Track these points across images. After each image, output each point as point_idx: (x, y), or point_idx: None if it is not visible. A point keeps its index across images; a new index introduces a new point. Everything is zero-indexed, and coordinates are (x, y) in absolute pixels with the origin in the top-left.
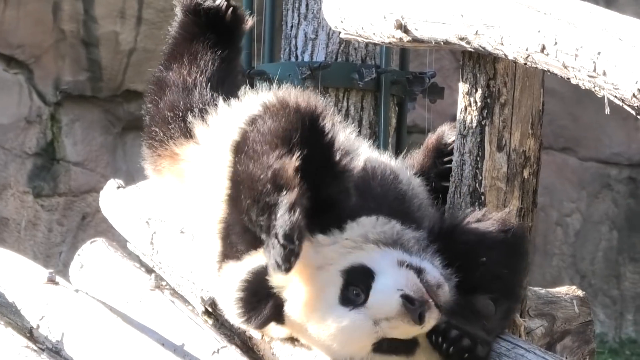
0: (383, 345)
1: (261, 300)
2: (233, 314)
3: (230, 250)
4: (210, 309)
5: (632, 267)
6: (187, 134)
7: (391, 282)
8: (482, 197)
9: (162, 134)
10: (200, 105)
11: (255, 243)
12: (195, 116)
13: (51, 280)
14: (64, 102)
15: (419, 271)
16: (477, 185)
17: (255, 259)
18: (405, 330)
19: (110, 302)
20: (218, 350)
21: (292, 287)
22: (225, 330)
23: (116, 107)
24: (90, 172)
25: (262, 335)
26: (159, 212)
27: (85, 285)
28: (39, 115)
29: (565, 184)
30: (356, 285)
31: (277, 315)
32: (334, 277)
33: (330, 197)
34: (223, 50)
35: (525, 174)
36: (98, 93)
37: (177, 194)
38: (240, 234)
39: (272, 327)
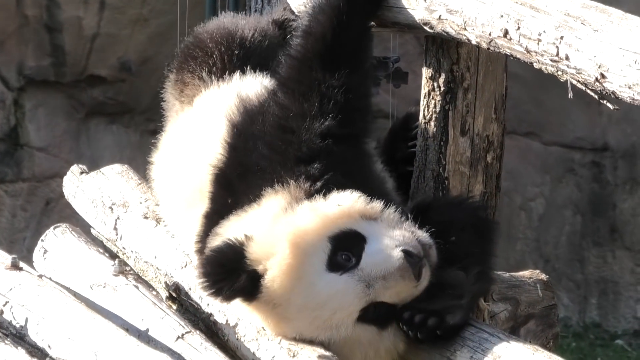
0: (369, 312)
1: (237, 269)
2: (207, 279)
3: (225, 206)
4: (174, 294)
5: (595, 251)
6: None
7: (388, 241)
8: (446, 182)
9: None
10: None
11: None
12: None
13: (15, 266)
14: (27, 87)
15: (411, 232)
16: (440, 170)
17: (255, 214)
18: (400, 289)
19: (74, 288)
20: (182, 335)
21: (275, 256)
22: (190, 315)
23: (80, 93)
24: (54, 158)
25: (227, 320)
26: (123, 197)
27: (49, 271)
28: (2, 101)
29: (528, 169)
30: (346, 250)
31: (252, 287)
32: (322, 243)
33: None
34: None
35: (489, 158)
36: (61, 78)
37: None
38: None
39: (237, 303)
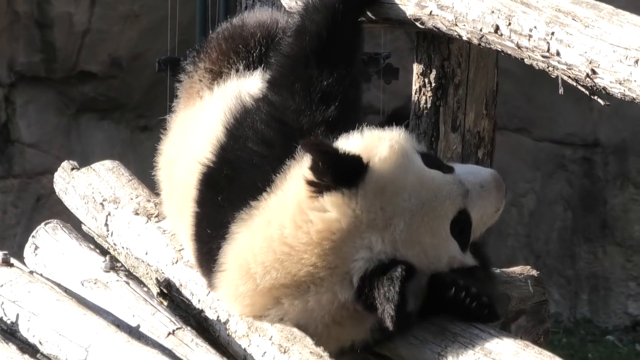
0: (457, 224)
1: (345, 157)
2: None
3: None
4: (165, 291)
5: (586, 247)
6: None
7: (472, 165)
8: None
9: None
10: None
11: None
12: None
13: (5, 262)
14: (18, 83)
15: None
16: None
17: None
18: (488, 203)
19: (65, 284)
20: (173, 331)
21: (377, 151)
22: (181, 311)
23: (70, 89)
24: (44, 154)
25: (218, 316)
26: (114, 193)
27: (40, 267)
28: None
29: (519, 165)
30: (435, 164)
31: (360, 174)
32: (412, 151)
33: None
34: None
35: (480, 154)
36: (52, 74)
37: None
38: None
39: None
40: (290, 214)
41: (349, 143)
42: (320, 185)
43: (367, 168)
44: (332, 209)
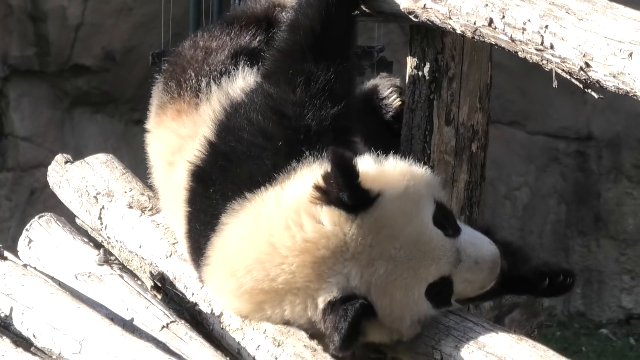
0: (437, 286)
1: (360, 185)
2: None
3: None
4: (159, 284)
5: (580, 240)
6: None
7: (482, 235)
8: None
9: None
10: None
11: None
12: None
13: None
14: (11, 77)
15: None
16: (425, 159)
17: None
18: (477, 279)
19: (59, 277)
20: (167, 324)
21: (391, 184)
22: (175, 305)
23: (64, 82)
24: (38, 147)
25: (212, 310)
26: (107, 187)
27: (34, 260)
28: None
29: (513, 158)
30: (445, 219)
31: (367, 204)
32: (429, 199)
33: None
34: None
35: (474, 147)
36: (46, 68)
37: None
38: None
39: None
40: (284, 212)
41: (371, 165)
42: (326, 195)
43: (374, 202)
44: (327, 223)
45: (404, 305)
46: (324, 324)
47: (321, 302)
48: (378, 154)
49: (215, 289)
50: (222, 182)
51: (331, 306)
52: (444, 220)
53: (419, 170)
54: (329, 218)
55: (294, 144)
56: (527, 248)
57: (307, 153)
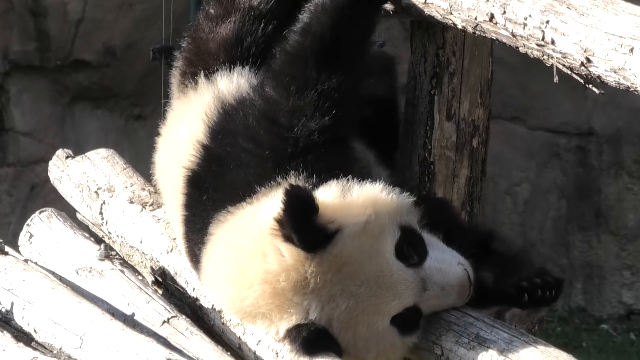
0: (403, 316)
1: (315, 224)
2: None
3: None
4: (160, 279)
5: (580, 235)
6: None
7: (451, 255)
8: (432, 167)
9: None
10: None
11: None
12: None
13: (0, 250)
14: (12, 72)
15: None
16: (426, 154)
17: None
18: (445, 303)
19: (60, 272)
20: (168, 319)
21: (352, 218)
22: (176, 300)
23: (64, 77)
24: (39, 143)
25: (213, 305)
26: (108, 182)
27: (35, 255)
28: None
29: (514, 153)
30: (411, 246)
31: (322, 240)
32: (393, 227)
33: None
34: None
35: (475, 143)
36: (46, 63)
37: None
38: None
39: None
40: (253, 237)
41: (334, 196)
42: (283, 231)
43: (332, 239)
44: (287, 257)
45: (368, 339)
46: (288, 350)
47: (281, 331)
48: (348, 180)
49: (208, 293)
50: (214, 189)
51: (289, 333)
52: (410, 247)
53: (384, 198)
54: (289, 253)
55: (281, 154)
56: (523, 256)
57: (291, 170)
